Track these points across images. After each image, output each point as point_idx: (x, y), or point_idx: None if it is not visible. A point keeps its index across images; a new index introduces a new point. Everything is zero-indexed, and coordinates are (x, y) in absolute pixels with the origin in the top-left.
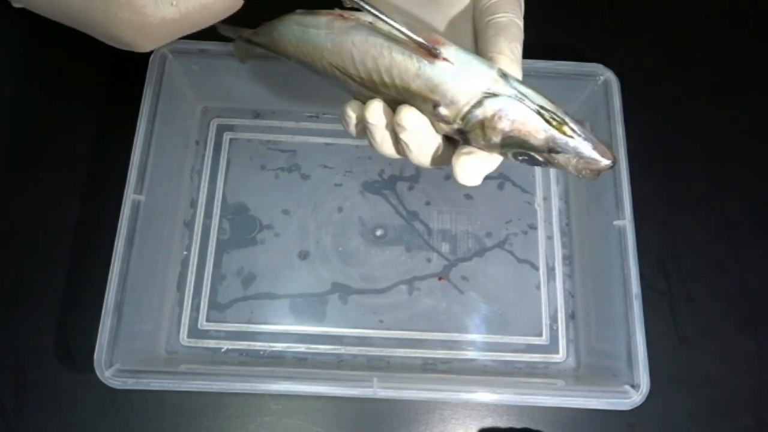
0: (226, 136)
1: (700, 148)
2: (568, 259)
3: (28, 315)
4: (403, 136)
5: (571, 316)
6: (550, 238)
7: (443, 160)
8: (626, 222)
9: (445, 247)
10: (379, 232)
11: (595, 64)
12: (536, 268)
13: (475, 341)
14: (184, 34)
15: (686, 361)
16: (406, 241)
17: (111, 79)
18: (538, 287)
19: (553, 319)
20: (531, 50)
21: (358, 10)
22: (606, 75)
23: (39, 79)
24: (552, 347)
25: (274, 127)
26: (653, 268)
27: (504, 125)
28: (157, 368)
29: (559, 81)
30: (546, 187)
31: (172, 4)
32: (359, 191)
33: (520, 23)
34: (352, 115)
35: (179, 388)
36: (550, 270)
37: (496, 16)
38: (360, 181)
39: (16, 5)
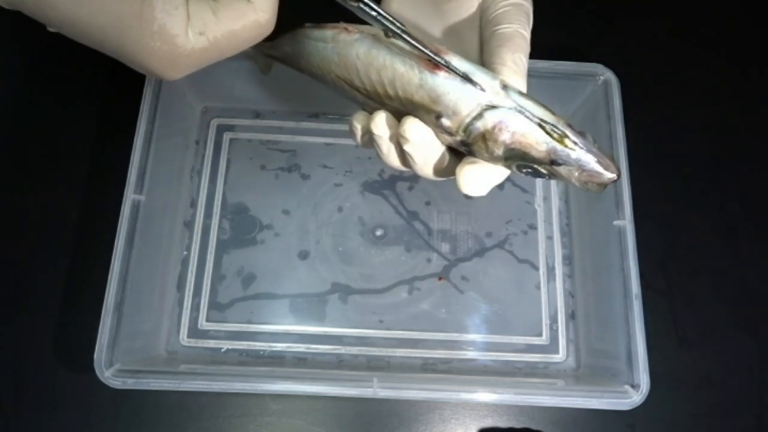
0: (226, 136)
1: (699, 148)
2: (568, 259)
3: (28, 315)
4: (407, 147)
5: (571, 316)
6: (550, 238)
7: (449, 172)
8: (626, 222)
9: (445, 247)
10: (379, 232)
11: (595, 64)
12: (536, 268)
13: (475, 341)
14: (212, 62)
15: (686, 361)
16: (406, 241)
17: (111, 79)
18: (538, 287)
19: (553, 319)
20: (531, 50)
21: (363, 22)
22: (606, 75)
23: (39, 80)
24: (552, 347)
25: (274, 127)
26: (653, 268)
27: (504, 137)
28: (157, 368)
29: (559, 81)
30: (546, 187)
31: (200, 33)
32: (359, 191)
33: (527, 35)
34: (358, 126)
35: (179, 388)
36: (550, 270)
37: (502, 26)
38: (360, 181)
39: (51, 30)
